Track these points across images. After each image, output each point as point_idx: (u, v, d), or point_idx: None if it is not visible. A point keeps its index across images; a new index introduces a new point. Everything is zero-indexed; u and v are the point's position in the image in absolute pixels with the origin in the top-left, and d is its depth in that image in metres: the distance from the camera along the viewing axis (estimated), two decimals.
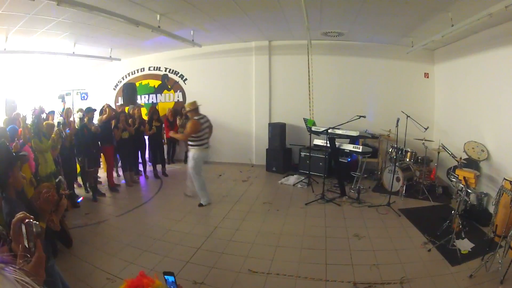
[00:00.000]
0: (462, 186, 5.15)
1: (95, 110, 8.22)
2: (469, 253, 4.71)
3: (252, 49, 10.61)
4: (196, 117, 6.96)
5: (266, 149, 10.29)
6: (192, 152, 7.01)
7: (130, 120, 9.02)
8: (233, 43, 10.72)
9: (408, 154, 7.74)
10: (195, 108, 7.04)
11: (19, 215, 1.91)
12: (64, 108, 9.28)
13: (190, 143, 7.02)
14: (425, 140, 7.46)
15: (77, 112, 8.91)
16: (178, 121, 10.74)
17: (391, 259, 4.65)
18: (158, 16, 6.85)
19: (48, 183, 2.97)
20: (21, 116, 6.73)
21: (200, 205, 7.14)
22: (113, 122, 8.53)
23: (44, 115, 7.65)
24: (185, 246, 5.33)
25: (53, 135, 6.49)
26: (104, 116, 8.35)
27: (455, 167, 6.48)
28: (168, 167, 10.65)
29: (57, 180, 3.87)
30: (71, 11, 5.89)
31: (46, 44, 8.75)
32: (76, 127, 8.03)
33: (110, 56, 10.86)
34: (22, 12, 6.10)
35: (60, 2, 4.92)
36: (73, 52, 9.41)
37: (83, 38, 8.67)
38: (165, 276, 1.94)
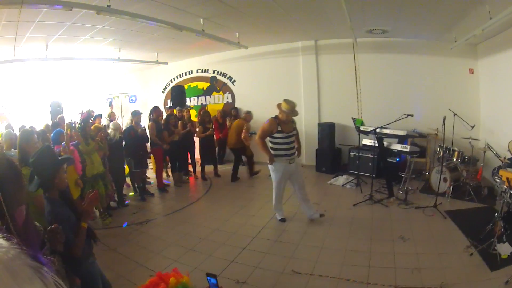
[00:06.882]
0: (505, 187, 4.90)
1: (141, 113, 8.50)
2: (509, 257, 4.38)
3: (299, 49, 10.58)
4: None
5: (316, 149, 10.20)
6: None
7: (179, 122, 9.23)
8: (279, 44, 10.77)
9: (456, 153, 7.40)
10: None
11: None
12: (111, 112, 9.65)
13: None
14: (471, 139, 7.15)
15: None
16: (227, 123, 10.93)
17: (433, 263, 4.53)
18: (201, 20, 6.96)
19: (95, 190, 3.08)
20: (66, 122, 7.15)
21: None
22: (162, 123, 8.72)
23: (91, 119, 8.08)
24: (230, 246, 5.43)
25: (97, 138, 6.76)
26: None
27: (499, 167, 6.12)
28: (219, 167, 10.61)
29: None
30: (112, 19, 6.05)
31: (90, 51, 9.00)
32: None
33: (157, 60, 11.18)
34: (61, 21, 6.29)
35: (99, 11, 5.05)
36: (119, 58, 9.71)
37: (128, 44, 8.91)
38: (207, 278, 1.91)
